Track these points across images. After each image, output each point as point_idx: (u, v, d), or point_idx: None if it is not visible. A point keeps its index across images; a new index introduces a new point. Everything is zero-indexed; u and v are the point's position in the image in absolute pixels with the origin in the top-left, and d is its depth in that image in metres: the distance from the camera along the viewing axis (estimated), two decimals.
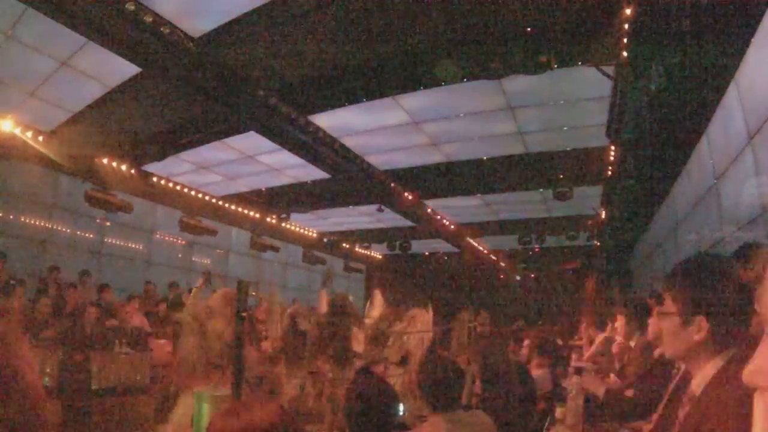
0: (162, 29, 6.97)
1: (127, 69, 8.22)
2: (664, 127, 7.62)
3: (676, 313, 1.83)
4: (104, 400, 8.89)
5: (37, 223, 11.95)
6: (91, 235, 13.32)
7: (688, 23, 5.13)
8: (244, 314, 7.04)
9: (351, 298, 7.46)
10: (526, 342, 9.04)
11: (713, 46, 5.60)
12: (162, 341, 10.55)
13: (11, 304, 8.61)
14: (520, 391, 4.77)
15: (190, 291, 10.96)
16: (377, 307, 7.54)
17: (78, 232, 12.97)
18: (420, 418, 3.31)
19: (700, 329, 1.76)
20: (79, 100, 9.41)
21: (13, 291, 8.76)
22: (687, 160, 8.98)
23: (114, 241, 13.93)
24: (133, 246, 14.48)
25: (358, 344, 7.12)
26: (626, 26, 6.31)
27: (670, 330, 1.87)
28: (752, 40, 5.55)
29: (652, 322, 3.75)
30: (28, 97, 9.29)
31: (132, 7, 6.61)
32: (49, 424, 2.04)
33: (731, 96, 6.64)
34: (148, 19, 6.77)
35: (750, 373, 0.79)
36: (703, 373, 1.78)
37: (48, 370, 7.64)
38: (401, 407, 3.21)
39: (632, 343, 4.86)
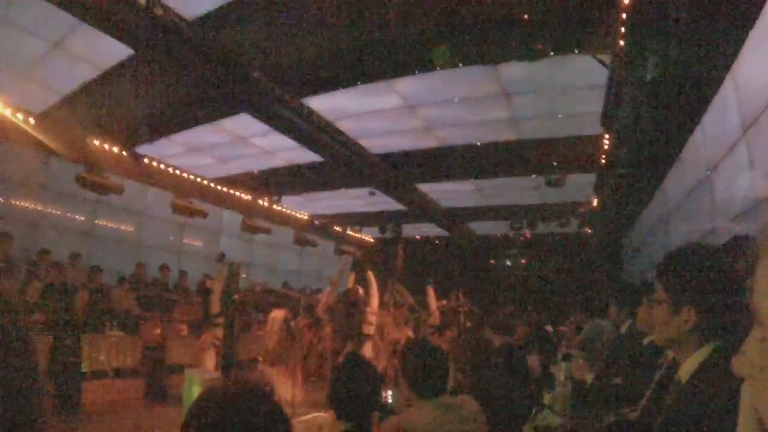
0: (156, 11, 6.91)
1: (120, 51, 8.15)
2: (659, 117, 7.62)
3: (666, 302, 1.85)
4: (95, 383, 8.93)
5: (28, 205, 11.87)
6: (82, 218, 13.26)
7: (686, 14, 5.12)
8: (235, 297, 7.08)
9: (361, 290, 7.63)
10: (519, 327, 9.11)
11: (710, 38, 5.59)
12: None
13: (12, 286, 8.61)
14: (509, 376, 4.80)
15: (207, 276, 10.98)
16: (374, 293, 7.65)
17: (69, 215, 12.91)
18: (409, 404, 3.32)
19: (688, 318, 1.79)
20: (71, 82, 9.34)
21: (11, 273, 8.77)
22: (681, 150, 9.01)
23: (105, 224, 13.87)
24: (125, 228, 14.43)
25: (368, 327, 7.33)
26: (623, 15, 6.29)
27: (660, 318, 1.90)
28: (750, 33, 5.54)
29: (641, 310, 3.78)
30: (19, 79, 9.22)
31: None
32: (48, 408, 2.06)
33: (727, 88, 6.64)
34: (142, 0, 6.71)
35: (738, 362, 0.80)
36: (691, 362, 1.80)
37: (39, 353, 7.64)
38: (390, 393, 3.22)
39: (623, 330, 4.91)
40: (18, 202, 11.68)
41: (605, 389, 3.66)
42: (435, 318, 9.82)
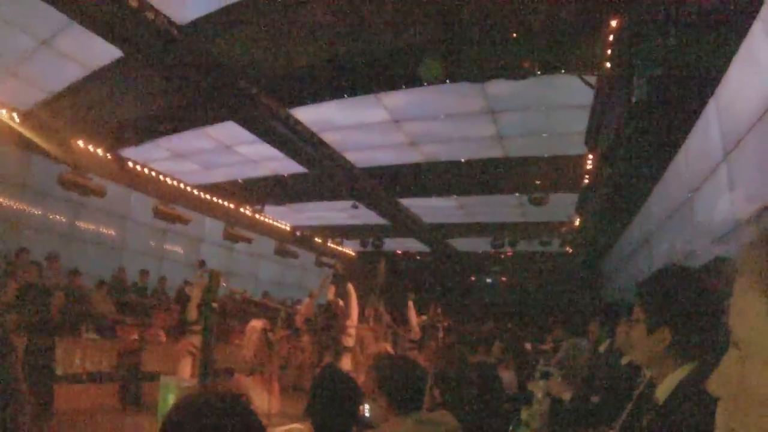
0: (147, 14, 6.90)
1: (109, 52, 8.09)
2: (642, 138, 7.70)
3: (643, 321, 1.88)
4: (69, 387, 8.77)
5: (8, 204, 11.70)
6: (63, 219, 13.09)
7: (672, 39, 5.20)
8: (214, 305, 7.03)
9: (341, 303, 7.60)
10: (496, 344, 9.12)
11: (695, 62, 5.67)
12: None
13: None
14: (484, 393, 4.79)
15: (186, 283, 10.86)
16: (354, 306, 7.64)
17: (50, 215, 12.73)
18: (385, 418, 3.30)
19: (664, 338, 1.80)
20: (58, 80, 9.25)
21: None
22: (663, 172, 9.09)
23: (86, 226, 13.70)
24: (106, 231, 14.27)
25: (348, 340, 7.32)
26: (611, 37, 6.38)
27: (637, 337, 1.92)
28: (734, 58, 5.63)
29: (620, 330, 3.81)
30: (5, 75, 9.12)
31: None
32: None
33: (710, 112, 6.73)
34: (133, 3, 6.69)
35: (714, 383, 0.81)
36: (668, 382, 1.81)
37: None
38: (367, 407, 3.19)
39: (601, 349, 4.93)
40: None
41: (583, 407, 3.66)
42: (415, 333, 9.82)
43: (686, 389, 1.72)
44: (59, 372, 8.57)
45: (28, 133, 10.11)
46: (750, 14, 4.99)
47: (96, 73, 8.83)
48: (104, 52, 8.13)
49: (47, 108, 10.02)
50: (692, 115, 7.02)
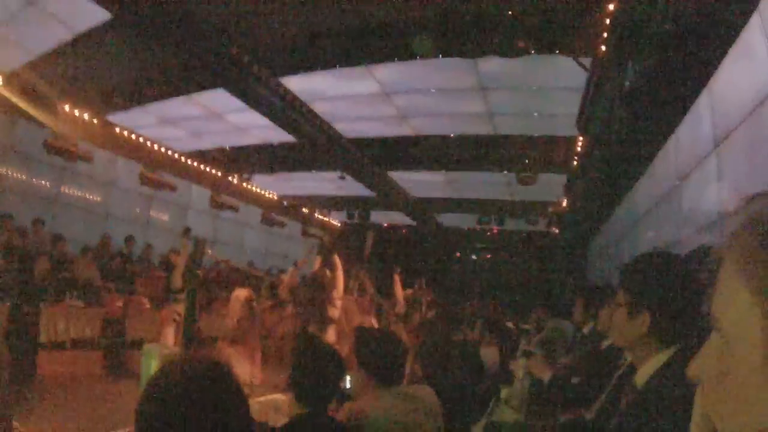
0: None
1: (97, 14, 7.91)
2: (633, 124, 7.70)
3: (625, 305, 1.89)
4: (52, 353, 8.75)
5: None
6: (49, 184, 12.96)
7: (668, 26, 5.16)
8: (199, 272, 7.00)
9: (328, 272, 7.56)
10: (478, 323, 9.18)
11: (691, 51, 5.65)
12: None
13: None
14: (465, 370, 4.84)
15: (171, 250, 10.83)
16: (340, 276, 7.62)
17: (34, 180, 12.58)
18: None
19: (644, 322, 1.82)
20: (44, 42, 9.03)
21: None
22: (652, 159, 9.12)
23: (71, 192, 13.58)
24: (91, 197, 14.15)
25: (333, 311, 7.32)
26: (607, 21, 6.34)
27: (618, 321, 1.94)
28: (729, 50, 5.62)
29: (603, 313, 3.84)
30: None
31: None
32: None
33: (703, 102, 6.74)
34: None
35: (694, 368, 0.81)
36: (648, 366, 1.83)
37: None
38: (348, 378, 3.21)
39: (585, 330, 4.97)
40: None
41: (563, 388, 3.70)
42: (400, 307, 9.86)
43: (666, 373, 1.74)
44: (43, 338, 8.55)
45: (12, 97, 9.94)
46: (749, 7, 4.97)
47: (83, 36, 8.64)
48: (92, 14, 7.91)
49: (33, 70, 9.81)
50: (685, 103, 7.02)
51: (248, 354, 7.29)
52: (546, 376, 3.83)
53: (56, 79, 10.01)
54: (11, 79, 9.90)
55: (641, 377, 1.86)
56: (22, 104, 10.23)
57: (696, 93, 6.70)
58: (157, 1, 7.27)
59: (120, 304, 10.39)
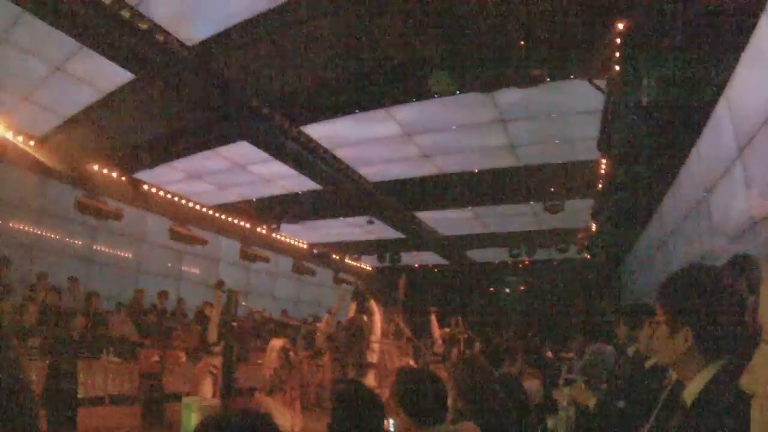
0: (157, 36, 6.98)
1: (121, 75, 8.21)
2: (654, 140, 7.67)
3: (665, 323, 1.86)
4: (91, 409, 8.78)
5: (26, 228, 11.79)
6: (81, 242, 13.18)
7: (679, 38, 5.18)
8: (234, 323, 7.03)
9: (365, 318, 7.56)
10: (519, 355, 9.04)
11: (704, 61, 5.65)
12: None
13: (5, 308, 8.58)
14: (509, 404, 4.75)
15: (205, 303, 10.92)
16: (377, 321, 7.62)
17: (67, 239, 12.81)
18: None
19: (686, 338, 1.78)
20: (72, 105, 9.38)
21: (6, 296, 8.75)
22: (677, 173, 9.03)
23: (104, 249, 13.78)
24: (123, 254, 14.34)
25: (372, 355, 7.29)
26: (618, 40, 6.37)
27: (660, 339, 1.90)
28: (742, 55, 5.61)
29: (643, 333, 3.76)
30: (20, 101, 9.25)
31: (127, 14, 6.63)
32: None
33: (721, 110, 6.70)
34: (143, 26, 6.78)
35: (747, 379, 0.80)
36: (695, 383, 1.79)
37: (34, 378, 7.51)
38: (391, 422, 3.16)
39: (629, 352, 4.86)
40: (16, 226, 11.58)
41: (608, 413, 3.62)
42: (438, 346, 9.77)
43: (715, 388, 1.70)
44: (81, 395, 8.59)
45: (43, 158, 10.23)
46: (756, 9, 4.97)
47: (109, 96, 8.94)
48: (116, 75, 8.24)
49: (62, 132, 10.14)
50: (703, 113, 6.98)
51: (287, 403, 7.24)
52: (591, 402, 3.76)
53: (85, 139, 10.27)
54: (42, 142, 10.21)
55: (690, 394, 1.81)
56: (53, 166, 10.51)
57: (713, 101, 6.67)
58: (177, 59, 7.46)
59: (156, 358, 10.42)
